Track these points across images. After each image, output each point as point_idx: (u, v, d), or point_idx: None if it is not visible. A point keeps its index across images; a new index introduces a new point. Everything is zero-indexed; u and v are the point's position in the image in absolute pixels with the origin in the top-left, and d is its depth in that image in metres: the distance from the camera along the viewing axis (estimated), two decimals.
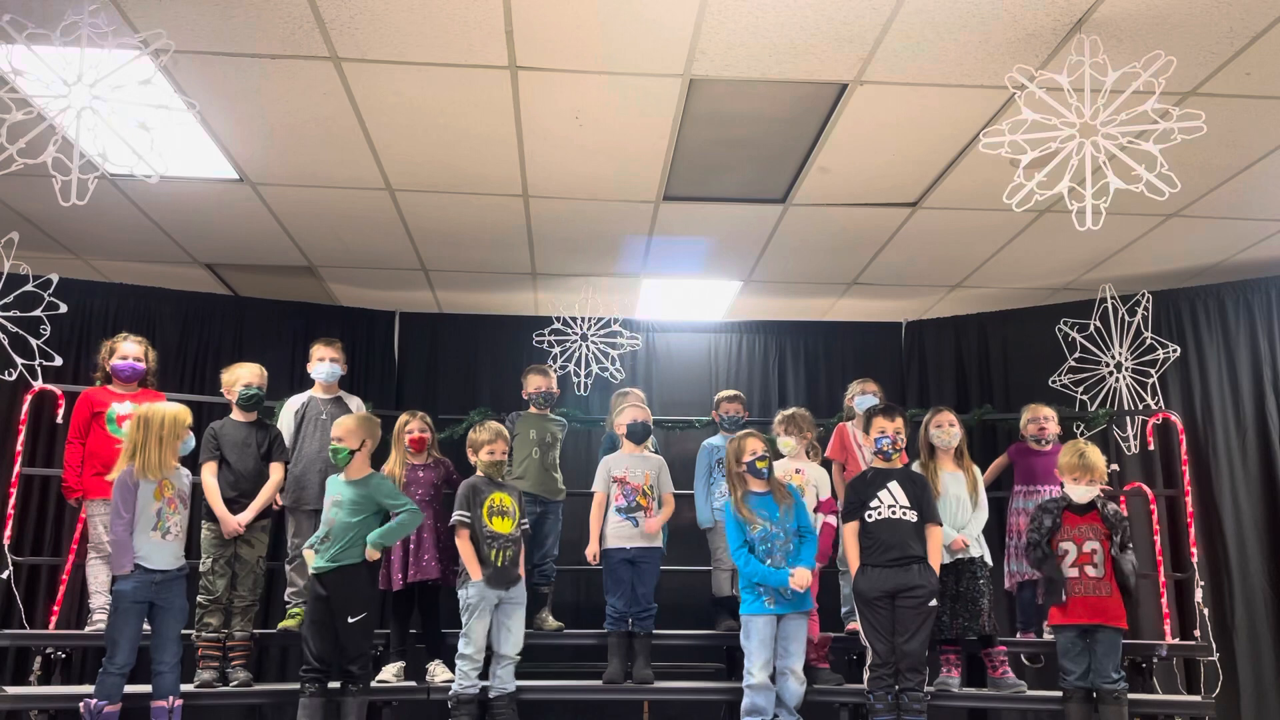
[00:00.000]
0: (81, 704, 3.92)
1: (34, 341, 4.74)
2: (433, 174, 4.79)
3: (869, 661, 4.25)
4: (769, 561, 4.24)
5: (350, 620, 4.11)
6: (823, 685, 4.52)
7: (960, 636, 4.54)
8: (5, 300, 4.71)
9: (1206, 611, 5.05)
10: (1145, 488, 5.53)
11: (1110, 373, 5.70)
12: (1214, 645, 4.85)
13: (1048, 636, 4.73)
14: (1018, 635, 5.18)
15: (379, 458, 4.77)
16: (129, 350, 4.81)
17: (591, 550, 4.69)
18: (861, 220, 5.29)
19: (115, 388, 4.80)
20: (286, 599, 4.88)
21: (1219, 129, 4.02)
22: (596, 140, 4.40)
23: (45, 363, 4.78)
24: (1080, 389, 5.74)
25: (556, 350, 6.08)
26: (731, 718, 4.71)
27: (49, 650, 4.70)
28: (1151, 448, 5.64)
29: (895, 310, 6.96)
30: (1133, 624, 5.10)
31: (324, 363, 4.99)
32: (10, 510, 4.90)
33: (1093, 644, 4.19)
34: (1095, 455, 4.30)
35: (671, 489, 4.85)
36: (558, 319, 6.12)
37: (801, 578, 4.20)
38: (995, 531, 5.39)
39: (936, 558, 4.29)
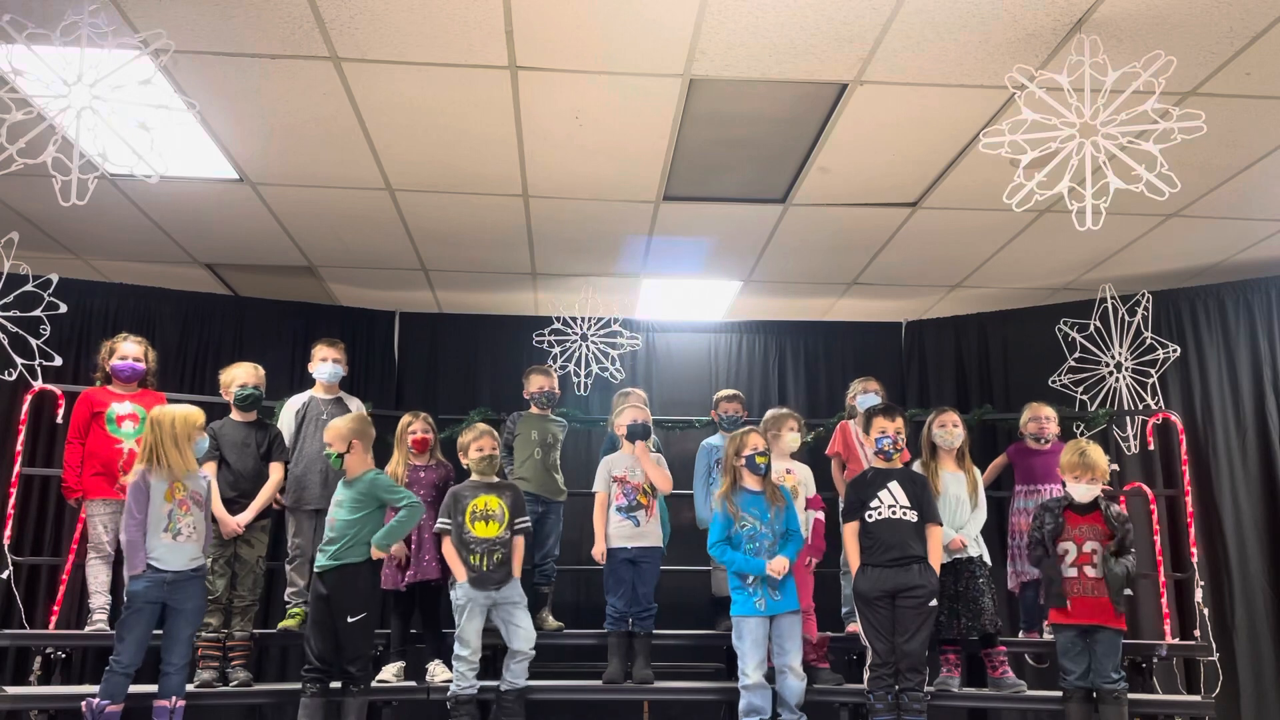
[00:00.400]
0: (84, 703, 3.91)
1: (34, 341, 4.74)
2: (433, 174, 4.79)
3: (869, 661, 4.24)
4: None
5: (350, 620, 4.11)
6: (823, 685, 4.52)
7: (963, 636, 4.54)
8: (5, 300, 4.71)
9: (1206, 611, 5.04)
10: (1145, 488, 5.53)
11: (1110, 373, 5.70)
12: (1214, 645, 4.85)
13: (1048, 636, 4.73)
14: (1020, 635, 5.18)
15: (381, 458, 4.77)
16: (129, 350, 4.80)
17: (598, 550, 4.69)
18: (861, 220, 5.29)
19: (115, 388, 4.80)
20: (286, 599, 4.88)
21: (1219, 129, 4.02)
22: (596, 140, 4.40)
23: (45, 363, 4.78)
24: (1080, 389, 5.74)
25: (556, 350, 6.08)
26: (731, 718, 4.71)
27: (49, 650, 4.70)
28: (1151, 448, 5.64)
29: (895, 310, 6.96)
30: (1133, 624, 5.11)
31: (326, 363, 5.00)
32: (10, 510, 4.90)
33: (1092, 644, 4.19)
34: (1096, 454, 4.29)
35: (668, 476, 4.83)
36: (558, 319, 6.12)
37: (779, 564, 4.19)
38: (996, 532, 5.39)
39: (937, 558, 4.29)
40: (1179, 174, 3.31)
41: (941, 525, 4.38)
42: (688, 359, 7.16)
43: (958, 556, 4.51)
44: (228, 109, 4.15)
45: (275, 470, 4.62)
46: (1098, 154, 3.27)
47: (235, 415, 4.67)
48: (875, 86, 3.93)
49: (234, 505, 4.47)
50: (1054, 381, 5.75)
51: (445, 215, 5.28)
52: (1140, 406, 5.60)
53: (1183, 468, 5.45)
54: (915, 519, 4.27)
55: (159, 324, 6.26)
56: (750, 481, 4.36)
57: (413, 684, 4.59)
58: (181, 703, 4.00)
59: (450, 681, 4.39)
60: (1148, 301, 5.67)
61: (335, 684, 4.19)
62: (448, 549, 4.37)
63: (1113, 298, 5.74)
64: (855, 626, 4.51)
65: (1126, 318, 5.70)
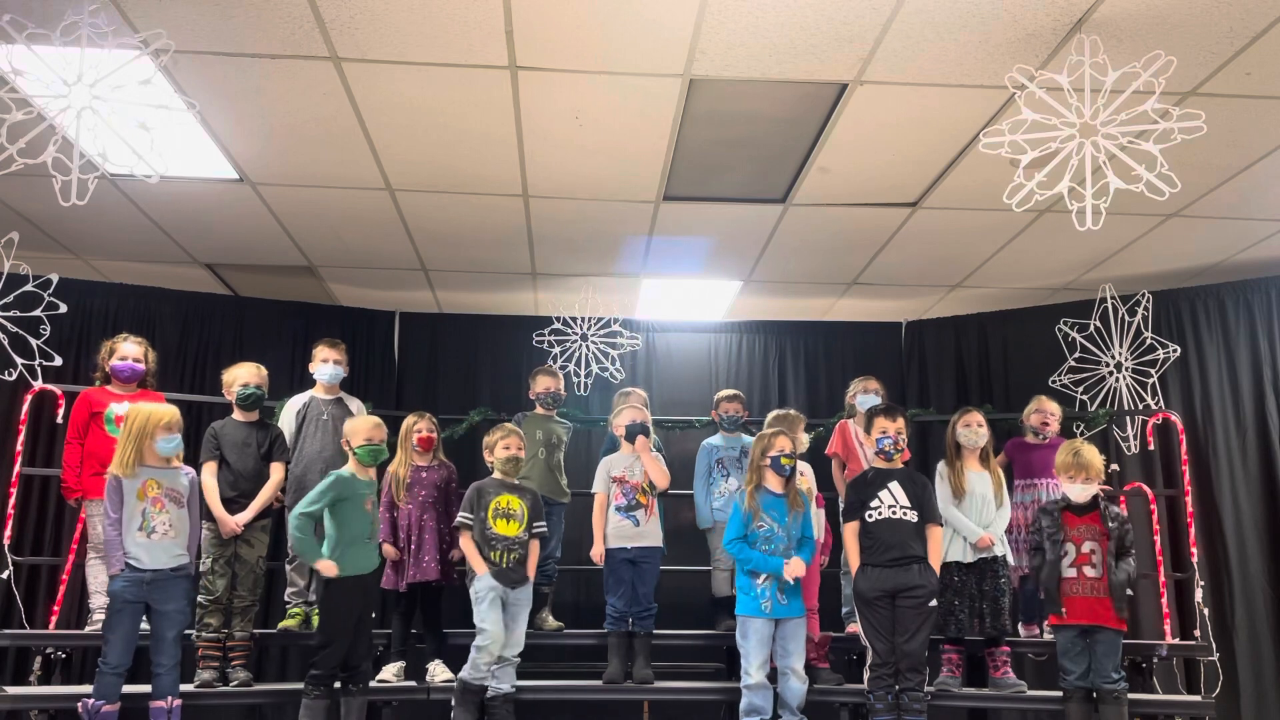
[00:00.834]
0: (80, 704, 3.91)
1: (34, 341, 4.74)
2: (433, 174, 4.79)
3: (869, 661, 4.25)
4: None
5: (373, 616, 4.20)
6: (823, 685, 4.53)
7: (984, 636, 4.53)
8: (5, 300, 4.71)
9: (1206, 611, 5.04)
10: (1145, 488, 5.53)
11: (1110, 373, 5.70)
12: (1214, 645, 4.85)
13: (1048, 636, 4.73)
14: (1019, 628, 5.19)
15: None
16: (129, 351, 4.80)
17: (597, 551, 4.69)
18: (861, 220, 5.29)
19: (114, 388, 4.80)
20: (286, 599, 4.88)
21: (1219, 129, 4.02)
22: (596, 140, 4.40)
23: (45, 363, 4.78)
24: (1080, 389, 5.74)
25: (556, 350, 6.08)
26: (731, 718, 4.71)
27: (49, 650, 4.70)
28: (1151, 448, 5.64)
29: (895, 310, 6.96)
30: (1133, 624, 5.11)
31: (327, 364, 5.00)
32: (10, 510, 4.90)
33: (1093, 644, 4.19)
34: (1090, 453, 4.28)
35: (667, 474, 4.83)
36: (558, 319, 6.12)
37: (796, 566, 4.20)
38: None
39: (937, 558, 4.29)
40: (1179, 174, 3.31)
41: (942, 525, 4.38)
42: (688, 359, 7.16)
43: (983, 555, 4.52)
44: (228, 109, 4.15)
45: (276, 470, 4.62)
46: (1098, 154, 3.27)
47: (237, 415, 4.67)
48: (875, 86, 3.93)
49: (234, 505, 4.47)
50: (1054, 381, 5.75)
51: (445, 215, 5.28)
52: (1140, 406, 5.60)
53: (1183, 468, 5.45)
54: (915, 519, 4.28)
55: (159, 324, 6.26)
56: (773, 483, 4.36)
57: (413, 684, 4.59)
58: (178, 702, 4.00)
59: (450, 681, 4.39)
60: (1148, 301, 5.67)
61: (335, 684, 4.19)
62: (467, 543, 4.36)
63: (1113, 298, 5.74)
64: (855, 627, 4.51)
65: (1126, 318, 5.70)
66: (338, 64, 3.79)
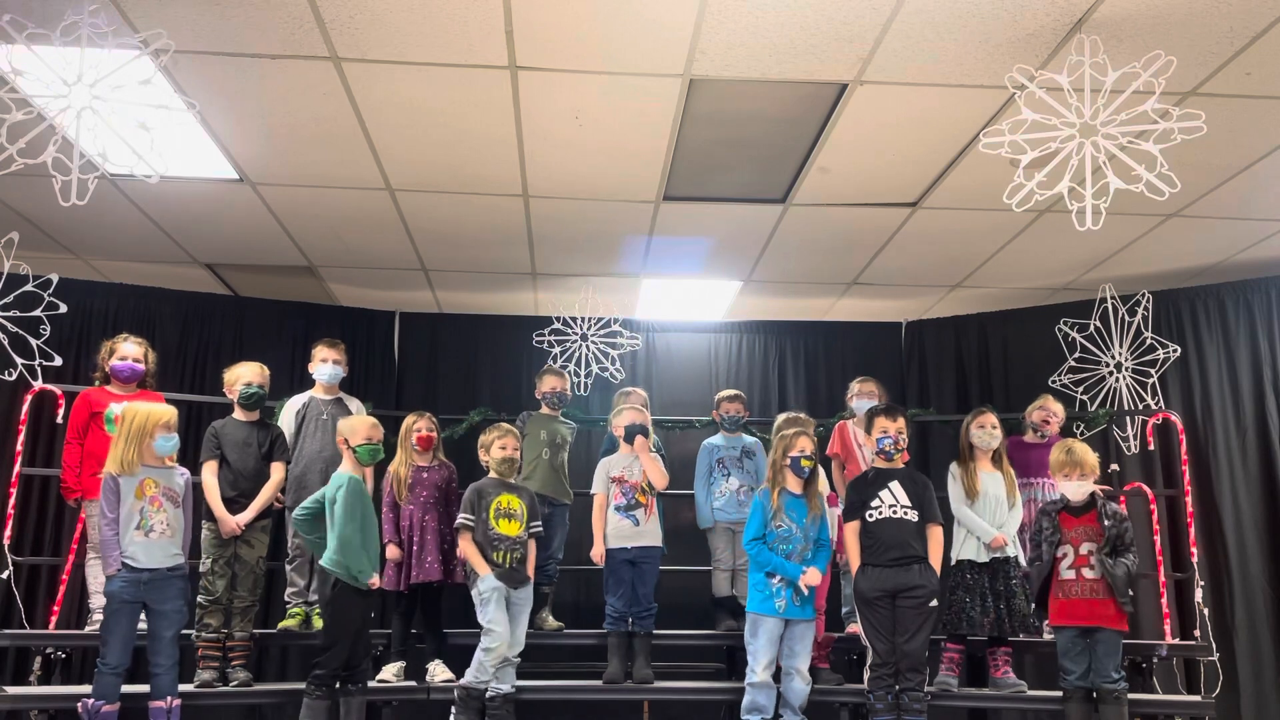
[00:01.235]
0: (80, 704, 3.92)
1: (34, 341, 4.74)
2: (433, 174, 4.79)
3: (869, 661, 4.25)
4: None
5: (371, 616, 4.20)
6: (823, 685, 4.52)
7: (1003, 635, 4.54)
8: (5, 300, 4.71)
9: (1206, 611, 5.04)
10: (1145, 488, 5.53)
11: (1110, 373, 5.70)
12: (1214, 645, 4.85)
13: (1048, 636, 4.73)
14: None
15: (385, 458, 4.77)
16: (128, 351, 4.80)
17: (597, 552, 4.69)
18: (861, 220, 5.29)
19: (114, 388, 4.80)
20: (286, 599, 4.88)
21: (1219, 129, 4.02)
22: (596, 140, 4.40)
23: (45, 363, 4.78)
24: (1080, 389, 5.74)
25: (556, 350, 6.08)
26: (731, 718, 4.72)
27: (49, 650, 4.70)
28: (1151, 448, 5.64)
29: (895, 310, 6.96)
30: (1133, 624, 5.10)
31: (326, 364, 5.00)
32: (10, 510, 4.90)
33: (1093, 644, 4.18)
34: (1083, 450, 4.28)
35: (665, 474, 4.83)
36: (558, 319, 6.12)
37: (813, 576, 4.22)
38: None
39: (937, 557, 4.29)
40: (1179, 174, 3.31)
41: (942, 525, 4.38)
42: (688, 359, 7.16)
43: (997, 555, 4.52)
44: (228, 109, 4.15)
45: (276, 470, 4.62)
46: (1098, 154, 3.27)
47: (238, 414, 4.67)
48: (875, 86, 3.93)
49: (234, 505, 4.47)
50: (1054, 381, 5.75)
51: (445, 215, 5.28)
52: (1140, 406, 5.60)
53: (1183, 468, 5.45)
54: (916, 519, 4.28)
55: (159, 324, 6.26)
56: (792, 484, 4.37)
57: (413, 684, 4.59)
58: (177, 702, 4.00)
59: (450, 681, 4.39)
60: (1148, 301, 5.67)
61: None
62: (468, 547, 4.36)
63: (1113, 298, 5.74)
64: (856, 627, 4.52)
65: (1126, 318, 5.70)
66: (338, 64, 3.79)
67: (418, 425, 4.76)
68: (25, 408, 5.05)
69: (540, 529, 4.56)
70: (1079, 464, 4.24)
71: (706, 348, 7.18)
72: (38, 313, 4.74)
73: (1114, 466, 5.70)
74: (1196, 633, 4.98)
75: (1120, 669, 4.19)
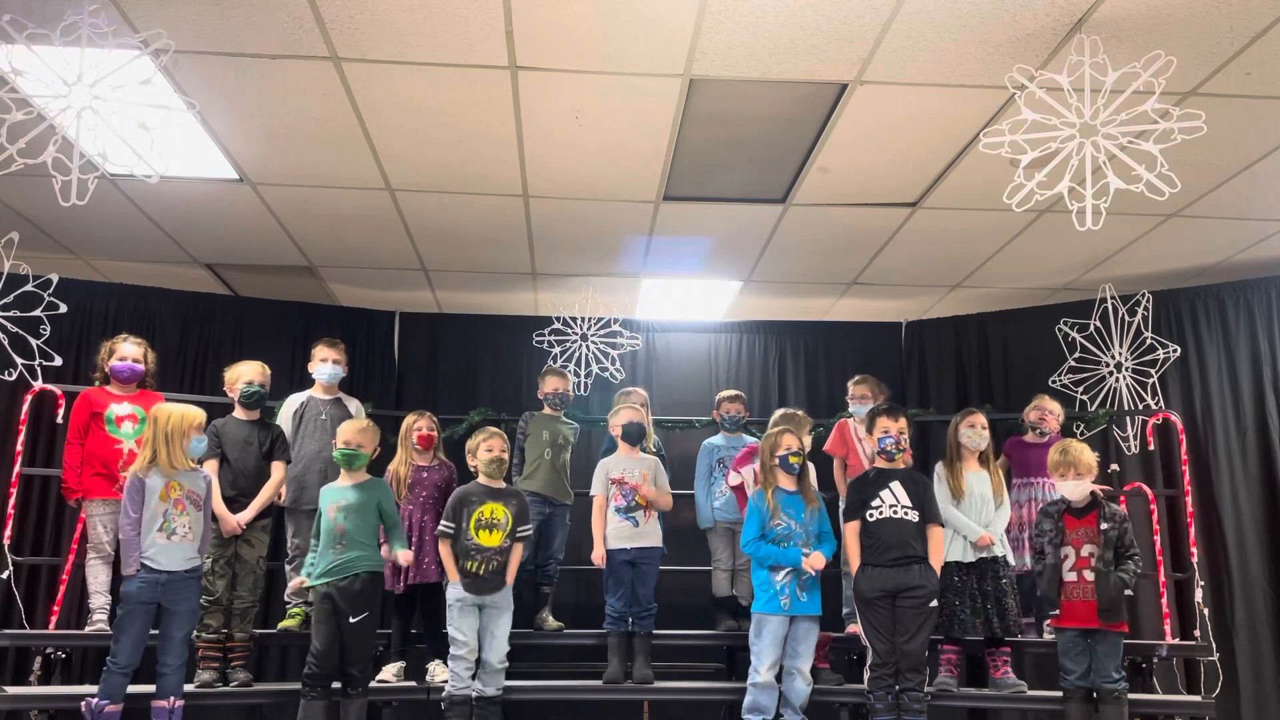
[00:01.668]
0: (83, 703, 3.92)
1: (34, 341, 4.74)
2: (433, 174, 4.79)
3: (869, 661, 4.25)
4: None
5: (352, 620, 4.11)
6: (823, 685, 4.53)
7: (995, 635, 4.54)
8: (5, 300, 4.71)
9: (1206, 611, 5.04)
10: (1145, 488, 5.53)
11: (1110, 373, 5.70)
12: (1214, 645, 4.85)
13: (1048, 636, 4.73)
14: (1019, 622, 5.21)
15: (384, 458, 4.77)
16: (128, 351, 4.80)
17: (598, 554, 4.69)
18: (861, 220, 5.29)
19: (114, 388, 4.80)
20: (286, 599, 4.88)
21: (1219, 129, 4.01)
22: (596, 140, 4.40)
23: (45, 363, 4.78)
24: (1080, 389, 5.74)
25: (556, 350, 6.08)
26: (732, 718, 4.72)
27: (49, 650, 4.70)
28: (1151, 448, 5.64)
29: (895, 310, 6.96)
30: (1133, 624, 5.11)
31: (326, 364, 5.00)
32: (10, 510, 4.91)
33: (1094, 644, 4.18)
34: (1079, 450, 4.28)
35: (668, 488, 4.85)
36: (558, 319, 6.12)
37: (816, 559, 4.22)
38: None
39: (938, 558, 4.29)
40: (1179, 174, 3.31)
41: (943, 526, 4.39)
42: (688, 359, 7.16)
43: (983, 555, 4.52)
44: (228, 109, 4.15)
45: (277, 470, 4.62)
46: (1098, 154, 3.27)
47: (239, 413, 4.67)
48: (875, 86, 3.93)
49: (234, 504, 4.47)
50: (1054, 381, 5.75)
51: (445, 215, 5.28)
52: (1140, 406, 5.60)
53: (1183, 468, 5.45)
54: (916, 519, 4.28)
55: (159, 324, 6.26)
56: (785, 481, 4.39)
57: (413, 684, 4.59)
58: (180, 703, 4.00)
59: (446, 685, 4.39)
60: (1148, 301, 5.67)
61: (334, 684, 4.19)
62: (445, 553, 4.37)
63: (1113, 298, 5.74)
64: (856, 627, 4.51)
65: (1126, 318, 5.69)
66: (338, 64, 3.79)
67: (418, 425, 4.76)
68: (25, 408, 5.06)
69: (529, 533, 4.55)
70: (1074, 463, 4.24)
71: (706, 348, 7.18)
72: (38, 313, 4.74)
73: (1114, 466, 5.70)
74: (1196, 633, 4.98)
75: (1120, 669, 4.19)
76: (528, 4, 3.40)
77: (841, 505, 4.88)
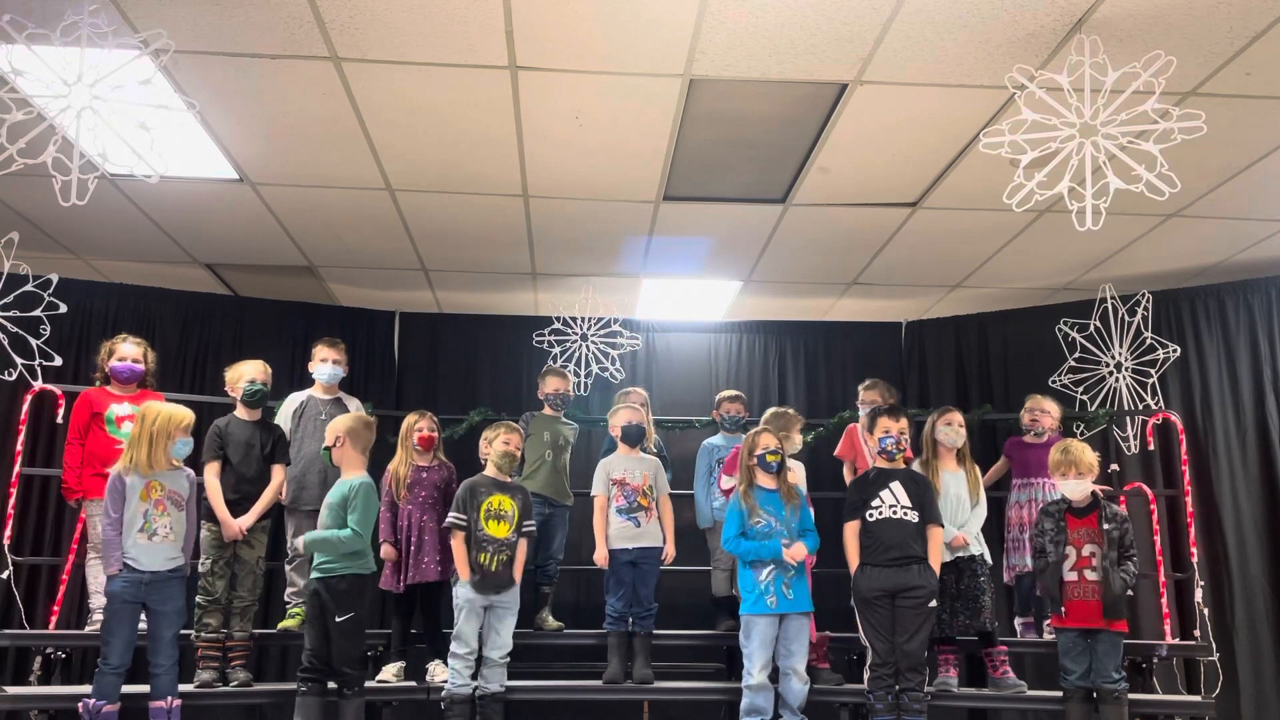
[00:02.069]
0: (80, 704, 3.92)
1: (34, 341, 4.74)
2: (433, 174, 4.79)
3: (869, 661, 4.25)
4: (769, 561, 4.24)
5: (338, 619, 4.08)
6: (823, 685, 4.52)
7: (962, 634, 4.54)
8: (5, 300, 4.71)
9: (1206, 611, 5.04)
10: (1145, 488, 5.53)
11: (1110, 373, 5.70)
12: (1214, 645, 4.85)
13: (1048, 636, 4.73)
14: (1017, 622, 5.20)
15: (384, 457, 4.77)
16: (127, 352, 4.80)
17: (600, 555, 4.69)
18: (861, 220, 5.29)
19: (114, 389, 4.80)
20: (286, 599, 4.88)
21: (1219, 129, 4.01)
22: (596, 140, 4.40)
23: (45, 363, 4.78)
24: (1080, 389, 5.74)
25: (556, 350, 6.08)
26: (731, 718, 4.72)
27: (49, 650, 4.70)
28: (1151, 448, 5.64)
29: (895, 310, 6.96)
30: (1133, 624, 5.11)
31: (326, 364, 5.00)
32: (10, 510, 4.91)
33: (1094, 644, 4.18)
34: (1079, 449, 4.29)
35: (668, 490, 4.86)
36: (558, 319, 6.12)
37: (797, 550, 4.22)
38: (994, 528, 5.40)
39: (937, 558, 4.29)
40: (1179, 174, 3.31)
41: (943, 526, 4.38)
42: (688, 359, 7.16)
43: (959, 555, 4.52)
44: (228, 109, 4.15)
45: (277, 473, 4.61)
46: (1098, 154, 3.27)
47: (241, 413, 4.66)
48: (875, 86, 3.93)
49: (235, 506, 4.46)
50: (1054, 381, 5.75)
51: (445, 215, 5.28)
52: (1140, 406, 5.60)
53: (1183, 468, 5.45)
54: (916, 519, 4.28)
55: (159, 324, 6.26)
56: (764, 480, 4.39)
57: (413, 684, 4.59)
58: (177, 702, 4.01)
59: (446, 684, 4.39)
60: (1148, 301, 5.67)
61: (332, 684, 4.18)
62: (458, 547, 4.35)
63: (1113, 298, 5.74)
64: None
65: (1126, 318, 5.69)
66: (338, 64, 3.79)
67: (419, 425, 4.76)
68: (25, 408, 5.06)
69: (533, 529, 4.56)
70: (1074, 462, 4.24)
71: (706, 348, 7.18)
72: (38, 313, 4.74)
73: (1114, 466, 5.70)
74: (1196, 633, 4.98)
75: (1120, 669, 4.19)
76: (528, 4, 3.40)
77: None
